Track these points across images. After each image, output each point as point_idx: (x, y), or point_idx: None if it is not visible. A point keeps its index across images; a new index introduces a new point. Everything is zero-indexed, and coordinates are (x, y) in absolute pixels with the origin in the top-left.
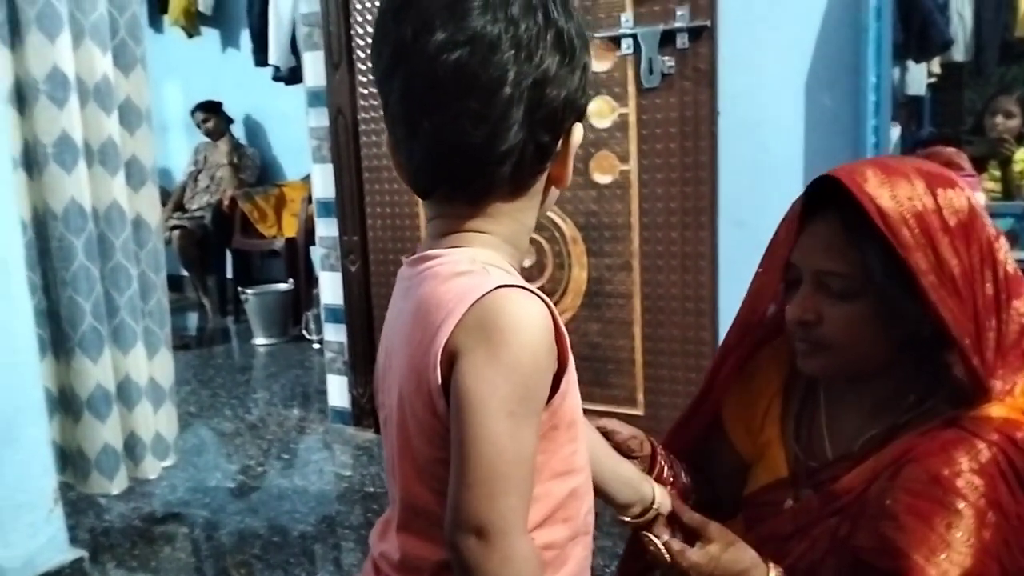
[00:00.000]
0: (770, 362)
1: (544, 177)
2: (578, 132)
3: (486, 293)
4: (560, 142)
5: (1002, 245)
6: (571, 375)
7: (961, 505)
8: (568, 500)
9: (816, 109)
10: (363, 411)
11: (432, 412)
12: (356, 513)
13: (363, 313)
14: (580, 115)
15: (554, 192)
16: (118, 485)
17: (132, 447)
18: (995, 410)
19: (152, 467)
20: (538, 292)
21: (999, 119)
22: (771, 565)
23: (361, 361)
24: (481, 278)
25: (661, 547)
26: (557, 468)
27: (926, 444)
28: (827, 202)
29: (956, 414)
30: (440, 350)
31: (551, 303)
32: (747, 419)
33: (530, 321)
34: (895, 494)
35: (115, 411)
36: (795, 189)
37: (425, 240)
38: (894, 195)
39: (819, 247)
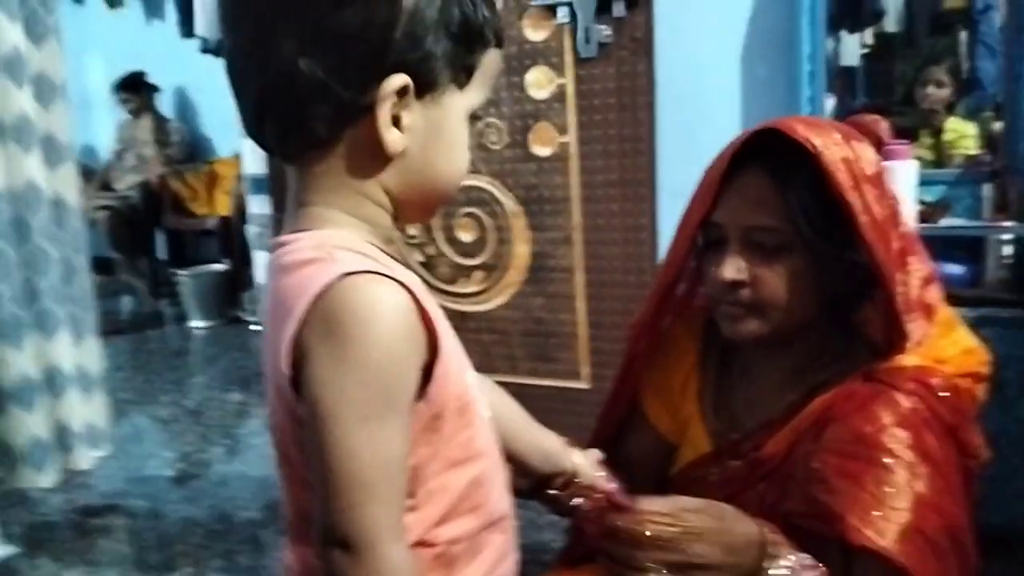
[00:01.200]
0: (683, 337)
1: (360, 134)
2: (395, 82)
3: (329, 284)
4: (368, 94)
5: (900, 203)
6: (449, 360)
7: (889, 460)
8: (471, 489)
9: (752, 79)
10: None
11: (292, 417)
12: None
13: None
14: (406, 67)
15: (407, 163)
16: (49, 478)
17: (63, 437)
18: (908, 360)
19: (85, 457)
20: (396, 275)
21: (930, 89)
22: (760, 524)
23: None
24: (326, 266)
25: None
26: (452, 457)
27: (845, 402)
28: (748, 160)
29: (871, 368)
30: (288, 352)
31: (414, 286)
32: (666, 398)
33: (380, 309)
34: (821, 456)
35: (42, 401)
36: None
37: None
38: (823, 140)
39: (748, 202)
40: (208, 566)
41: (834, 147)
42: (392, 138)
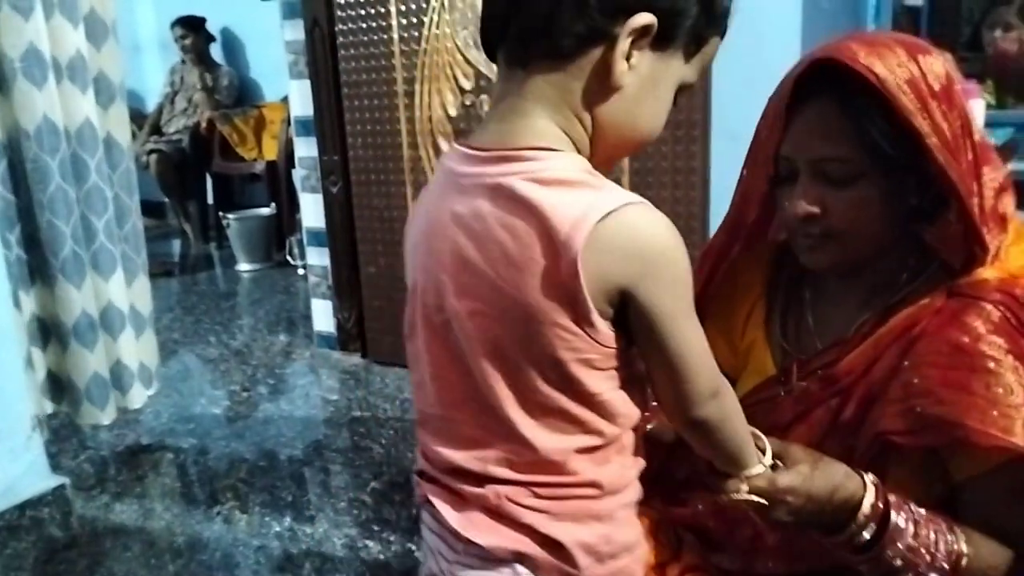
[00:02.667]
0: (749, 268)
1: (595, 57)
2: (643, 19)
3: (617, 209)
4: (616, 26)
5: (972, 113)
6: None
7: (991, 365)
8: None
9: (814, 13)
10: (349, 335)
11: (575, 319)
12: (343, 436)
13: (346, 236)
14: (656, 11)
15: (621, 101)
16: (108, 415)
17: (119, 376)
18: (988, 272)
19: (138, 396)
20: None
21: (998, 32)
22: (863, 473)
23: (345, 285)
24: (600, 192)
25: (745, 493)
26: None
27: (934, 317)
28: (810, 90)
29: (953, 283)
30: (577, 264)
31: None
32: (725, 329)
33: (671, 233)
34: (921, 370)
35: (100, 339)
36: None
37: (481, 128)
38: (886, 64)
39: (815, 134)
40: (252, 501)
41: (898, 69)
42: (621, 70)
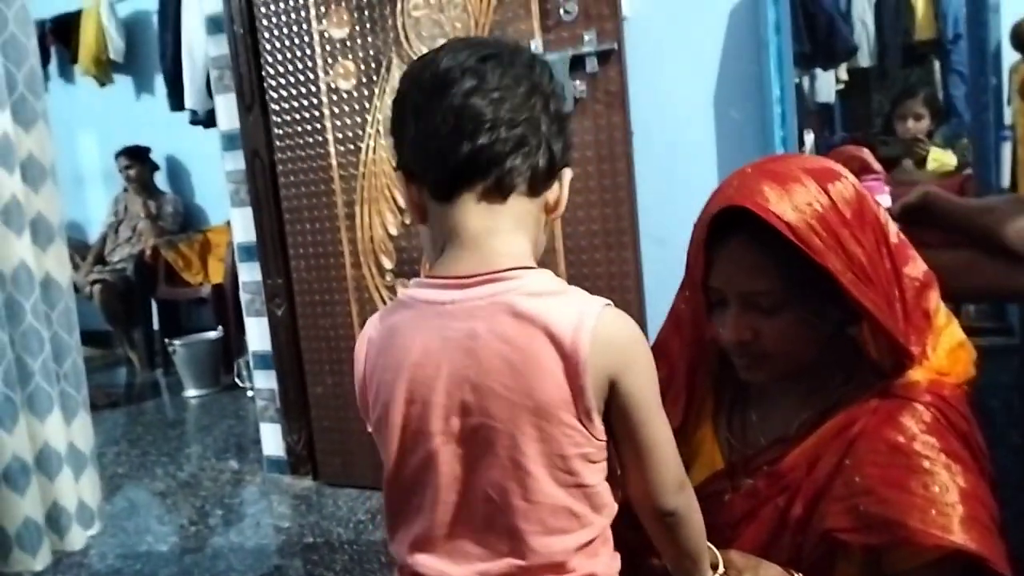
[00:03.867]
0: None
1: (550, 189)
2: (568, 174)
3: (600, 313)
4: (556, 171)
5: (884, 216)
6: None
7: (927, 464)
8: None
9: (725, 124)
10: (299, 458)
11: (577, 415)
12: (296, 565)
13: (292, 357)
14: (569, 162)
15: (546, 225)
16: (42, 560)
17: (55, 518)
18: (918, 374)
19: (78, 538)
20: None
21: (910, 123)
22: (791, 572)
23: (294, 407)
24: (578, 298)
25: None
26: None
27: (870, 417)
28: (734, 222)
29: (886, 385)
30: (581, 369)
31: None
32: (680, 423)
33: (640, 332)
34: (862, 470)
35: (34, 482)
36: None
37: (449, 260)
38: (795, 206)
39: (738, 271)
40: None
41: (807, 208)
42: (562, 206)
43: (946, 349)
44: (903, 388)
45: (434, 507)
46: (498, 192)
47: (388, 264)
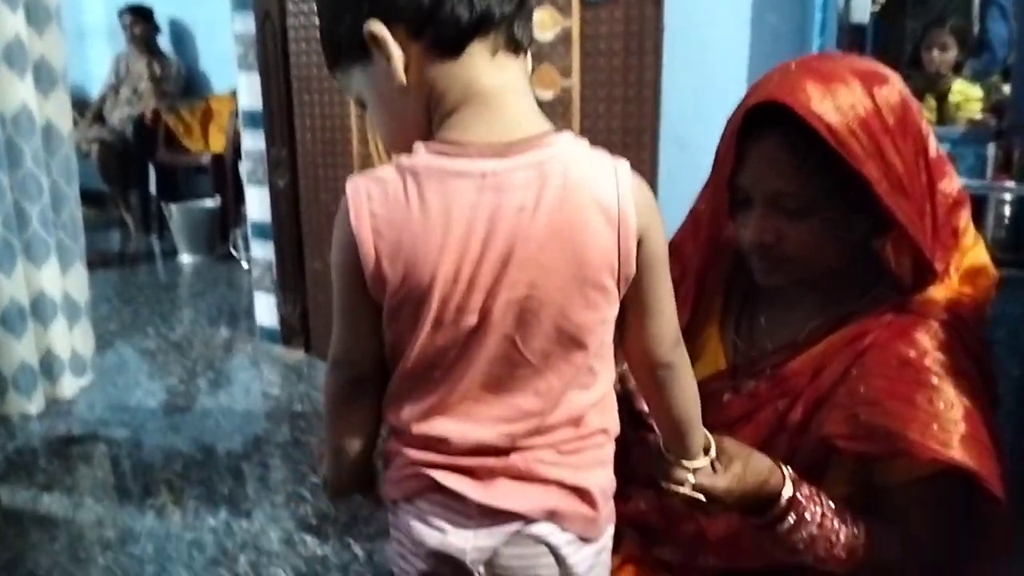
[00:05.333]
0: (712, 267)
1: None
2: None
3: (629, 171)
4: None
5: (927, 128)
6: None
7: (935, 380)
8: None
9: (762, 27)
10: (292, 330)
11: (616, 281)
12: (283, 431)
13: (292, 230)
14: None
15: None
16: (36, 405)
17: (49, 365)
18: (938, 292)
19: (70, 386)
20: None
21: (935, 53)
22: (781, 465)
23: (290, 279)
24: (607, 156)
25: (689, 491)
26: None
27: (884, 330)
28: (769, 119)
29: (904, 300)
30: (633, 230)
31: None
32: (689, 324)
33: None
34: (868, 381)
35: (30, 327)
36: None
37: (469, 123)
38: (838, 106)
39: (769, 169)
40: (187, 494)
41: (851, 111)
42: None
43: (968, 270)
44: (921, 304)
45: (461, 379)
46: (511, 46)
47: (369, 171)
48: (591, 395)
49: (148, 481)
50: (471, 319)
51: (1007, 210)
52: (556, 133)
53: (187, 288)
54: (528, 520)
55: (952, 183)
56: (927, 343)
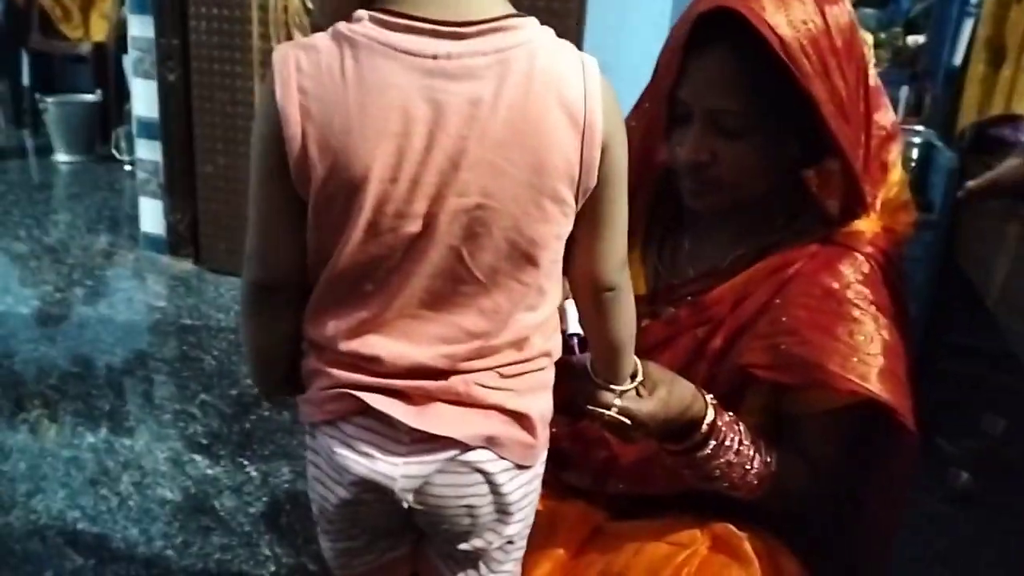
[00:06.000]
0: (638, 188)
1: None
2: None
3: (597, 67)
4: None
5: (868, 55)
6: None
7: (857, 313)
8: None
9: None
10: (180, 239)
11: (576, 193)
12: (170, 346)
13: (182, 129)
14: None
15: None
16: None
17: None
18: (863, 225)
19: None
20: None
21: None
22: (702, 391)
23: (179, 184)
24: (573, 48)
25: (615, 415)
26: None
27: (808, 261)
28: (715, 30)
29: (830, 231)
30: (598, 137)
31: None
32: None
33: None
34: (789, 311)
35: None
36: (664, 31)
37: None
38: (790, 20)
39: (712, 83)
40: (63, 409)
41: (803, 26)
42: None
43: (893, 206)
44: (846, 237)
45: (397, 293)
46: None
47: (301, 39)
48: (537, 316)
49: (20, 395)
50: (412, 226)
51: (915, 153)
52: (521, 17)
53: (63, 189)
54: (464, 447)
55: (887, 115)
56: (851, 275)
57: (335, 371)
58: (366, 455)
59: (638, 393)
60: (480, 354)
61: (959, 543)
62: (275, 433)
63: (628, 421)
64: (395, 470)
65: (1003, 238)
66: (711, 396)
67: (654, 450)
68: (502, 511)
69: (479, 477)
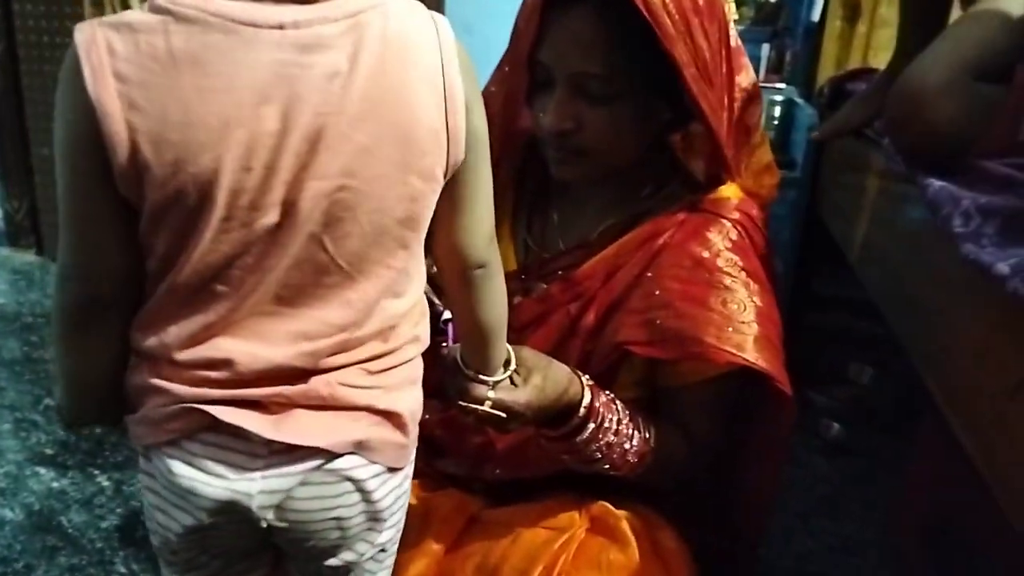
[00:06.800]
0: (504, 159)
1: None
2: None
3: (445, 26)
4: None
5: (729, 15)
6: None
7: (728, 281)
8: None
9: None
10: (19, 229)
11: (445, 167)
12: (10, 346)
13: (12, 110)
14: None
15: None
16: None
17: None
18: (729, 191)
19: None
20: None
21: None
22: (578, 373)
23: (14, 170)
24: (421, 6)
25: (488, 409)
26: None
27: (677, 230)
28: None
29: (695, 198)
30: (460, 104)
31: None
32: None
33: None
34: (662, 283)
35: None
36: None
37: None
38: None
39: (575, 46)
40: None
41: None
42: None
43: (756, 168)
44: (712, 203)
45: (252, 290)
46: None
47: (136, 6)
48: (404, 303)
49: None
50: (269, 217)
51: (777, 111)
52: None
53: None
54: (330, 455)
55: (748, 76)
56: (719, 243)
57: (175, 386)
58: (217, 475)
59: (512, 382)
60: (344, 347)
61: (834, 492)
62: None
63: (503, 415)
64: (252, 486)
65: (862, 192)
66: (587, 377)
67: (531, 433)
68: (374, 519)
69: (348, 486)
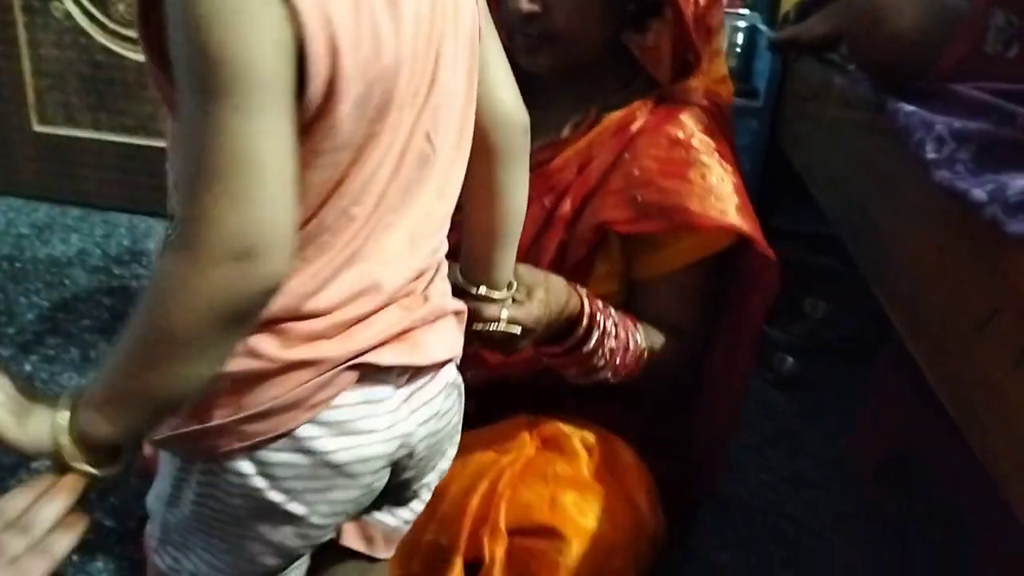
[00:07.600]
0: None
1: None
2: None
3: None
4: None
5: None
6: None
7: (704, 158)
8: None
9: None
10: None
11: (478, 40)
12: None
13: None
14: None
15: None
16: None
17: None
18: (696, 82)
19: None
20: None
21: None
22: (576, 286)
23: None
24: None
25: (504, 327)
26: None
27: (650, 117)
28: None
29: (663, 90)
30: None
31: None
32: None
33: None
34: (640, 163)
35: None
36: None
37: None
38: None
39: None
40: None
41: None
42: None
43: (713, 77)
44: (682, 92)
45: (382, 202)
46: None
47: None
48: (450, 204)
49: None
50: (409, 116)
51: (740, 38)
52: None
53: None
54: (439, 368)
55: None
56: (692, 125)
57: (320, 345)
58: (370, 431)
59: (514, 300)
60: (442, 245)
61: (789, 425)
62: (61, 376)
63: (518, 331)
64: (409, 424)
65: (827, 121)
66: (581, 288)
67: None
68: (459, 425)
69: (456, 391)
